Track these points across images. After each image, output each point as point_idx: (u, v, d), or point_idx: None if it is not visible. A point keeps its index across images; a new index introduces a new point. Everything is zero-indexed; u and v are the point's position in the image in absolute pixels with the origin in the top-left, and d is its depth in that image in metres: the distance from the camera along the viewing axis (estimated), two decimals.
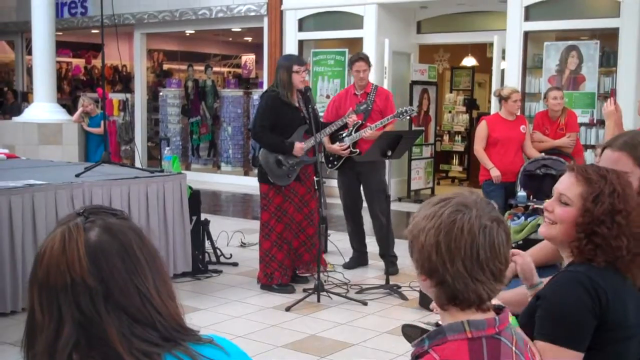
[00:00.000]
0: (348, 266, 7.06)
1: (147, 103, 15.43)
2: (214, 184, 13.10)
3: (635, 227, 2.13)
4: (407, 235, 1.66)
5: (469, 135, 13.74)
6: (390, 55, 11.27)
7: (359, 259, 7.17)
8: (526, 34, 10.15)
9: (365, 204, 7.06)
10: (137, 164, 10.43)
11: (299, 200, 6.29)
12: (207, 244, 7.12)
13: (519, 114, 7.52)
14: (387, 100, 7.01)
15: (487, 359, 1.55)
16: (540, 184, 6.97)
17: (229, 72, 18.26)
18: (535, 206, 6.58)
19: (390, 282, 6.27)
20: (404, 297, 6.05)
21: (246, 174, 13.61)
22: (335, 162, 6.95)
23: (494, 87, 10.12)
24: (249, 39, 16.50)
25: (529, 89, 10.30)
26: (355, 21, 11.59)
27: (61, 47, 16.15)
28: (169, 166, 6.98)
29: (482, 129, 7.31)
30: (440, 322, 1.68)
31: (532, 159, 7.22)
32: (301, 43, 12.30)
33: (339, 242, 7.64)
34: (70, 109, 13.76)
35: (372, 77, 10.36)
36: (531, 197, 6.91)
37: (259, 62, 15.18)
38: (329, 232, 7.74)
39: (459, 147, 14.19)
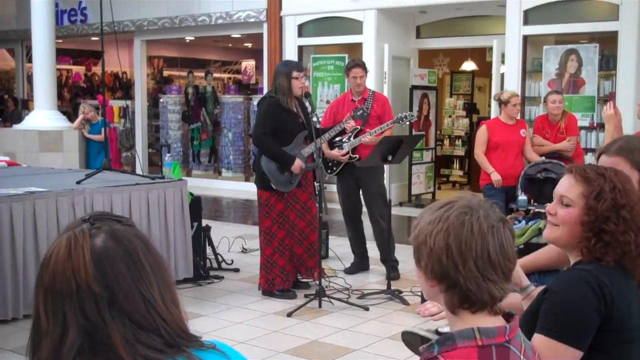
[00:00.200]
0: (349, 271, 7.06)
1: (148, 110, 15.44)
2: (214, 190, 13.10)
3: None
4: (412, 242, 1.65)
5: (469, 140, 13.74)
6: (389, 60, 11.29)
7: (360, 264, 7.17)
8: (525, 38, 10.16)
9: (365, 209, 7.07)
10: (138, 170, 10.43)
11: (300, 207, 6.28)
12: (209, 250, 7.13)
13: (519, 118, 7.53)
14: (384, 105, 7.04)
15: None
16: (540, 187, 6.97)
17: (229, 78, 18.28)
18: (536, 210, 6.57)
19: (392, 287, 6.27)
20: (405, 302, 6.05)
21: (247, 179, 13.61)
22: (335, 168, 6.96)
23: (494, 91, 10.12)
24: (249, 44, 16.53)
25: (529, 93, 10.31)
26: (354, 26, 11.61)
27: (61, 54, 16.18)
28: (169, 172, 6.99)
29: (482, 133, 7.32)
30: (440, 329, 1.68)
31: (532, 162, 7.22)
32: (301, 49, 12.32)
33: (339, 247, 7.64)
34: (71, 116, 13.78)
35: (372, 83, 10.41)
36: (532, 201, 6.91)
37: (259, 67, 15.20)
38: (329, 237, 7.74)
39: (460, 151, 14.19)
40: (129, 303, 1.29)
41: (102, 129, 9.63)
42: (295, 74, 6.15)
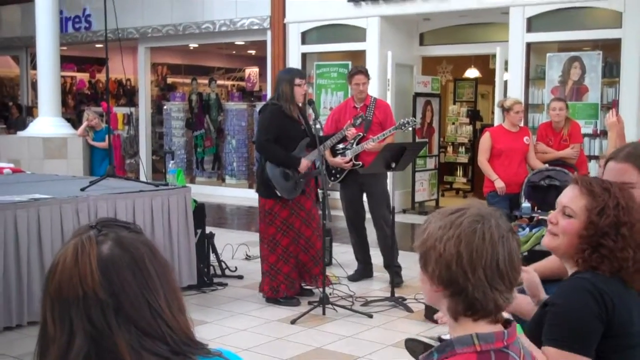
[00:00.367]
0: (353, 278, 7.05)
1: (152, 117, 15.47)
2: (218, 197, 13.12)
3: None
4: (419, 247, 1.65)
5: (472, 147, 13.74)
6: (393, 68, 11.30)
7: (363, 271, 7.17)
8: (529, 45, 10.17)
9: (368, 215, 7.07)
10: (142, 177, 10.43)
11: (305, 214, 6.27)
12: (212, 257, 7.13)
13: (522, 125, 7.53)
14: (386, 112, 7.06)
15: None
16: (544, 195, 6.97)
17: (233, 85, 18.33)
18: (540, 217, 6.57)
19: (396, 295, 6.27)
20: (409, 310, 6.05)
21: (251, 186, 13.61)
22: (338, 175, 6.97)
23: (497, 98, 10.13)
24: (253, 52, 16.57)
25: (532, 100, 10.31)
26: (358, 34, 11.63)
27: (65, 61, 16.23)
28: (173, 179, 7.01)
29: (485, 141, 7.32)
30: (442, 336, 1.69)
31: (536, 170, 7.22)
32: (304, 56, 12.35)
33: (343, 254, 7.64)
34: (75, 123, 13.81)
35: (375, 90, 10.42)
36: (535, 208, 6.91)
37: (262, 75, 15.24)
38: (332, 244, 7.74)
39: (463, 158, 14.19)
40: (135, 310, 1.30)
41: (106, 136, 9.65)
42: (297, 80, 6.17)
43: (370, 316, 5.87)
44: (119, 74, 15.27)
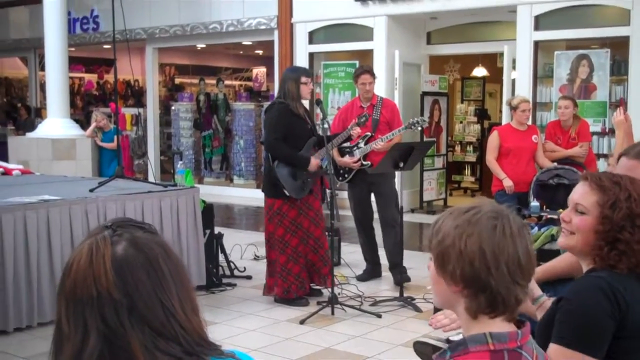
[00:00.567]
0: (361, 278, 7.05)
1: (160, 117, 15.50)
2: (226, 197, 13.13)
3: None
4: (435, 247, 1.64)
5: (480, 146, 13.72)
6: (400, 67, 11.29)
7: (372, 271, 7.16)
8: (536, 44, 10.15)
9: (376, 215, 7.07)
10: (151, 178, 10.47)
11: (314, 214, 6.27)
12: (221, 257, 7.14)
13: (529, 123, 7.51)
14: (393, 111, 7.07)
15: None
16: (553, 193, 6.96)
17: (241, 85, 18.35)
18: (549, 216, 6.56)
19: (404, 294, 6.27)
20: (418, 309, 6.04)
21: (258, 186, 13.61)
22: (346, 175, 6.97)
23: (505, 97, 10.11)
24: (260, 52, 16.58)
25: (540, 99, 10.29)
26: (365, 33, 11.63)
27: (74, 62, 16.27)
28: (182, 180, 7.02)
29: (493, 139, 7.31)
30: (451, 339, 1.69)
31: (544, 168, 7.20)
32: (312, 55, 12.35)
33: (351, 254, 7.64)
34: (83, 124, 13.84)
35: (383, 89, 10.42)
36: (544, 207, 6.89)
37: (270, 75, 15.24)
38: (341, 244, 7.74)
39: (471, 157, 14.17)
40: (148, 310, 1.31)
41: (115, 137, 9.68)
42: (304, 79, 6.17)
43: (379, 316, 5.86)
44: (127, 74, 15.32)
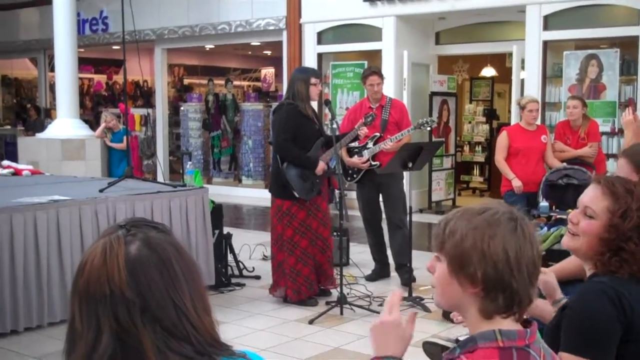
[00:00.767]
0: (370, 278, 7.06)
1: (169, 118, 15.54)
2: (235, 198, 13.15)
3: None
4: (452, 249, 1.61)
5: (489, 146, 13.69)
6: (409, 67, 11.29)
7: (380, 271, 7.16)
8: (545, 43, 10.13)
9: (384, 215, 7.07)
10: (160, 178, 10.50)
11: (322, 215, 6.27)
12: (230, 257, 7.16)
13: (538, 123, 7.49)
14: (402, 112, 7.07)
15: None
16: (562, 194, 6.94)
17: (249, 85, 18.37)
18: (558, 216, 6.54)
19: (413, 295, 6.26)
20: (426, 309, 6.04)
21: (267, 187, 13.63)
22: (355, 175, 6.98)
23: (514, 97, 10.10)
24: (269, 52, 16.59)
25: (549, 99, 10.27)
26: (373, 33, 11.62)
27: (83, 63, 16.31)
28: (191, 180, 7.04)
29: (502, 139, 7.30)
30: (460, 338, 1.69)
31: (553, 168, 7.19)
32: (320, 56, 12.36)
33: (360, 254, 7.64)
34: (93, 124, 13.89)
35: (392, 89, 10.42)
36: (553, 207, 6.88)
37: (278, 75, 15.26)
38: (349, 244, 7.75)
39: (480, 157, 14.15)
40: (160, 310, 1.32)
41: (124, 137, 9.71)
42: (313, 80, 6.17)
43: None
44: (136, 75, 15.37)
